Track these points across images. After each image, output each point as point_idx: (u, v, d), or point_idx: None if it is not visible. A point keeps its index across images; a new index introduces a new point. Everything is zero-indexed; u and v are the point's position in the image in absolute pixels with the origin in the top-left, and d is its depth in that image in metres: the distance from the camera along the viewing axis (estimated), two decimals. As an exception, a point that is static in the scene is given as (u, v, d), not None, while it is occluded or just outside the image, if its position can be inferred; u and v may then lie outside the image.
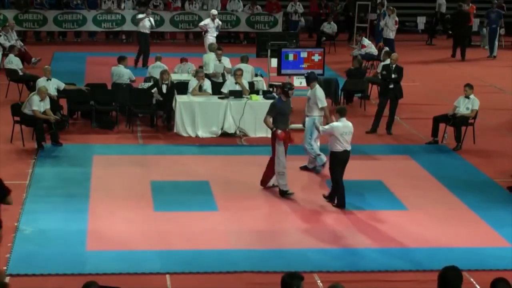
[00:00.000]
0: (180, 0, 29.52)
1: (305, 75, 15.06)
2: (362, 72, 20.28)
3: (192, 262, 10.47)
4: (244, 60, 19.05)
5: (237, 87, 17.00)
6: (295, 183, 13.47)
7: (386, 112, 17.19)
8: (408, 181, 14.18)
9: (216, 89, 17.30)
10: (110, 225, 11.73)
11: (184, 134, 16.60)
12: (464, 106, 16.22)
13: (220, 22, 23.98)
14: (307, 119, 14.44)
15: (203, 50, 22.46)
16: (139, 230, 11.58)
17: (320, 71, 17.26)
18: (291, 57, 17.19)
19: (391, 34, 25.99)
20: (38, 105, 15.26)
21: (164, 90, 17.01)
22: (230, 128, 16.69)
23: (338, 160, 12.60)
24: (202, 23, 23.95)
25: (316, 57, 17.29)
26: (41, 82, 16.63)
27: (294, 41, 18.87)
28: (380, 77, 17.84)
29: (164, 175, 14.11)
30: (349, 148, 12.63)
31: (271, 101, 14.53)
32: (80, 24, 28.50)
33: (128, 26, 28.60)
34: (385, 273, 10.37)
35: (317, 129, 13.18)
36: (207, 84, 17.33)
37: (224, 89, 17.10)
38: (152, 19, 24.19)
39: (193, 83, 17.22)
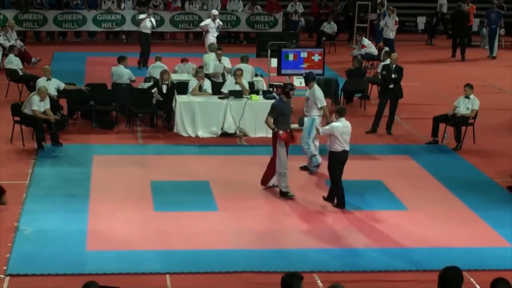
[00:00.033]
0: (180, 0, 29.52)
1: (304, 75, 15.07)
2: (362, 72, 20.28)
3: (192, 262, 10.46)
4: (244, 60, 19.06)
5: (237, 87, 17.00)
6: (295, 183, 13.47)
7: (386, 112, 17.19)
8: (408, 181, 14.18)
9: (216, 89, 17.30)
10: (110, 225, 11.73)
11: (184, 134, 16.60)
12: (464, 106, 16.22)
13: (220, 23, 23.98)
14: (306, 119, 14.43)
15: (203, 50, 22.46)
16: (139, 230, 11.58)
17: (320, 71, 17.30)
18: (291, 57, 17.21)
19: (391, 34, 25.99)
20: (38, 105, 15.26)
21: (164, 90, 17.01)
22: (230, 128, 16.69)
23: (337, 160, 12.60)
24: (203, 23, 23.94)
25: (316, 57, 17.31)
26: (41, 82, 16.63)
27: (294, 41, 18.89)
28: (380, 77, 17.84)
29: (164, 175, 14.11)
30: (348, 148, 12.64)
31: (271, 101, 14.55)
32: (80, 24, 28.50)
33: (128, 26, 28.60)
34: (385, 273, 10.37)
35: (317, 131, 13.18)
36: (207, 84, 17.33)
37: (224, 89, 17.10)
38: (153, 20, 24.19)
39: (193, 83, 17.22)
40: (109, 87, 17.97)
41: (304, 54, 17.26)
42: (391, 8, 26.49)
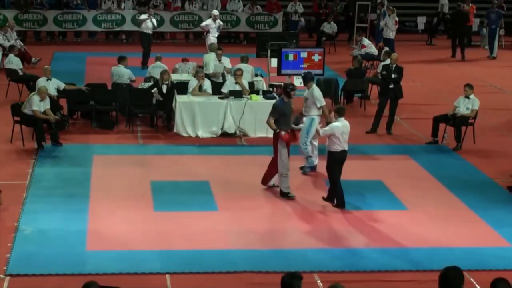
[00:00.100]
0: (180, 0, 29.51)
1: (302, 75, 15.07)
2: (362, 72, 20.27)
3: (192, 262, 10.46)
4: (244, 60, 19.05)
5: (237, 87, 17.00)
6: (295, 183, 13.46)
7: (386, 112, 17.19)
8: (408, 181, 14.18)
9: (216, 89, 17.30)
10: (110, 225, 11.73)
11: (184, 134, 16.60)
12: (464, 106, 16.22)
13: (221, 23, 23.95)
14: (304, 119, 14.42)
15: (203, 50, 22.46)
16: (139, 230, 11.57)
17: (320, 71, 17.31)
18: (291, 57, 17.22)
19: (391, 34, 25.98)
20: (38, 105, 15.26)
21: (164, 90, 17.01)
22: (230, 128, 16.69)
23: (336, 160, 12.60)
24: (203, 24, 23.91)
25: (316, 57, 17.32)
26: (41, 82, 16.63)
27: (294, 41, 18.90)
28: (380, 77, 17.84)
29: (164, 175, 14.11)
30: (346, 147, 12.65)
31: (271, 101, 14.55)
32: (80, 24, 28.50)
33: (128, 26, 28.61)
34: (385, 273, 10.37)
35: (318, 132, 13.17)
36: (207, 84, 17.33)
37: (224, 89, 17.10)
38: (154, 20, 24.18)
39: (193, 83, 17.22)
40: (109, 87, 17.97)
41: (304, 54, 17.27)
42: (391, 8, 26.49)
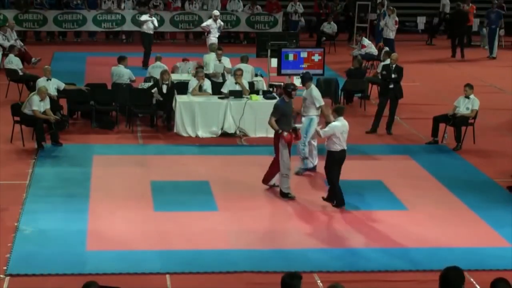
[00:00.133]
0: (180, 0, 29.52)
1: (300, 75, 15.06)
2: (362, 72, 20.28)
3: (192, 262, 10.46)
4: (244, 60, 19.06)
5: (237, 87, 17.00)
6: (295, 183, 13.47)
7: (386, 112, 17.19)
8: (408, 181, 14.18)
9: (216, 89, 17.30)
10: (110, 225, 11.73)
11: (184, 134, 16.60)
12: (464, 106, 16.22)
13: (222, 23, 23.93)
14: (303, 119, 14.42)
15: (203, 50, 22.46)
16: (139, 230, 11.57)
17: (320, 71, 17.31)
18: (291, 57, 17.21)
19: (391, 34, 25.98)
20: (38, 105, 15.26)
21: (164, 90, 17.01)
22: (230, 128, 16.69)
23: (336, 160, 12.59)
24: (204, 24, 23.90)
25: (316, 57, 17.31)
26: (41, 82, 16.63)
27: (294, 41, 18.89)
28: (380, 77, 17.84)
29: (164, 175, 14.11)
30: (345, 147, 12.65)
31: (271, 101, 14.55)
32: (80, 24, 28.51)
33: (128, 26, 28.62)
34: (385, 273, 10.36)
35: (318, 134, 13.16)
36: (207, 84, 17.33)
37: (224, 89, 17.10)
38: (155, 21, 24.18)
39: (193, 83, 17.22)
40: (109, 87, 17.97)
41: (304, 54, 17.26)
42: (391, 8, 26.50)
